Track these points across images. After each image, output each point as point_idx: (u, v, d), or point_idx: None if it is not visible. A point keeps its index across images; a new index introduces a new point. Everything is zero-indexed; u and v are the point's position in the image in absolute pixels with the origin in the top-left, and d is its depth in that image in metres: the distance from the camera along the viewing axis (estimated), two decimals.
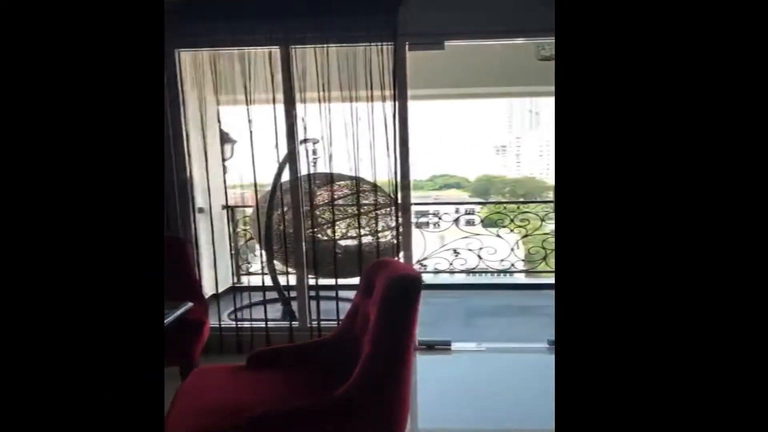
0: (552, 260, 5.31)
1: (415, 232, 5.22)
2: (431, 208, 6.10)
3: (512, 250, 5.61)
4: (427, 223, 5.72)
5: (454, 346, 3.61)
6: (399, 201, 3.35)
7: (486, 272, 5.67)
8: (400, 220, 3.44)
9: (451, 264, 5.60)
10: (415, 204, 3.65)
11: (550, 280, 5.41)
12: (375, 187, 4.07)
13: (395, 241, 3.59)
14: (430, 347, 3.60)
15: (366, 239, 3.89)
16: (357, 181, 3.81)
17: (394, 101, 3.20)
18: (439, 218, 5.80)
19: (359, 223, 3.84)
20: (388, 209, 3.96)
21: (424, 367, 3.36)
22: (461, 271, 5.65)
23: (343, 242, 4.23)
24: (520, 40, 3.43)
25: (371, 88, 3.17)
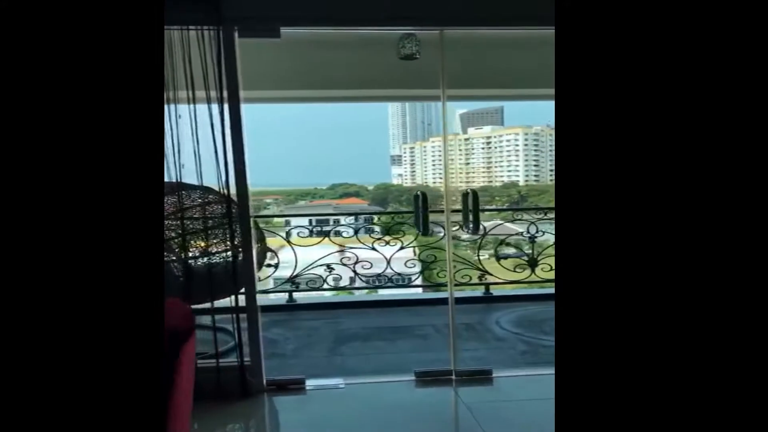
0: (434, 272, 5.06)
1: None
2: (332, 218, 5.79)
3: (388, 263, 5.21)
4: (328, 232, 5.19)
5: (309, 384, 3.12)
6: (233, 212, 2.83)
7: (378, 287, 5.27)
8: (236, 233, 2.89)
9: (324, 280, 5.10)
10: (264, 216, 3.15)
11: (437, 294, 5.13)
12: (227, 198, 3.49)
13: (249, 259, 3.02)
14: (281, 387, 3.08)
15: (217, 258, 3.29)
16: (205, 190, 3.20)
17: (221, 102, 2.65)
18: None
19: (206, 239, 3.22)
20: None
21: (272, 411, 2.94)
22: (340, 288, 5.20)
23: (193, 262, 3.57)
24: (374, 29, 3.01)
25: (192, 87, 2.61)
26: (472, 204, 3.38)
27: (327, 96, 4.46)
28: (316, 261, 5.23)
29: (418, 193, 3.47)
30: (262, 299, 5.06)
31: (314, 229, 5.15)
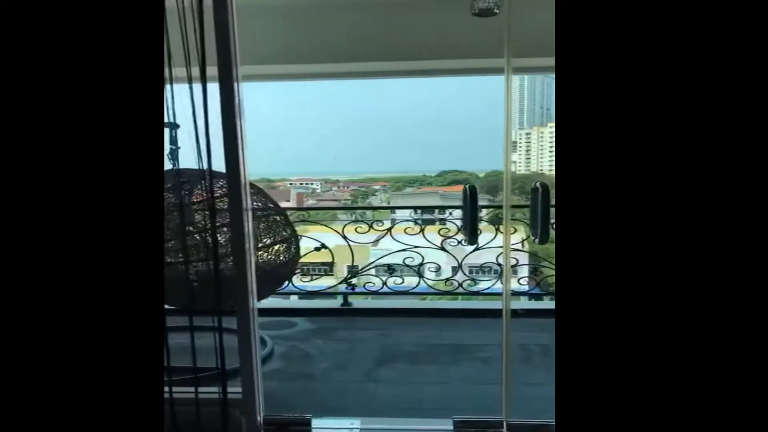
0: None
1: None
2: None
3: (460, 266, 4.43)
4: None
5: (316, 424, 2.45)
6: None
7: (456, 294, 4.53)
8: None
9: (384, 283, 4.45)
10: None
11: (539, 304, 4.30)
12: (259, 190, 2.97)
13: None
14: (282, 427, 2.45)
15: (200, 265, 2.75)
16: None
17: (203, 82, 2.11)
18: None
19: (212, 242, 2.67)
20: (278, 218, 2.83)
21: None
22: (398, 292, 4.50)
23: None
24: None
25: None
26: (541, 203, 2.44)
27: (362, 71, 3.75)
28: (381, 257, 4.58)
29: (537, 185, 2.38)
30: (316, 301, 4.50)
31: (418, 219, 4.48)
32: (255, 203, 3.11)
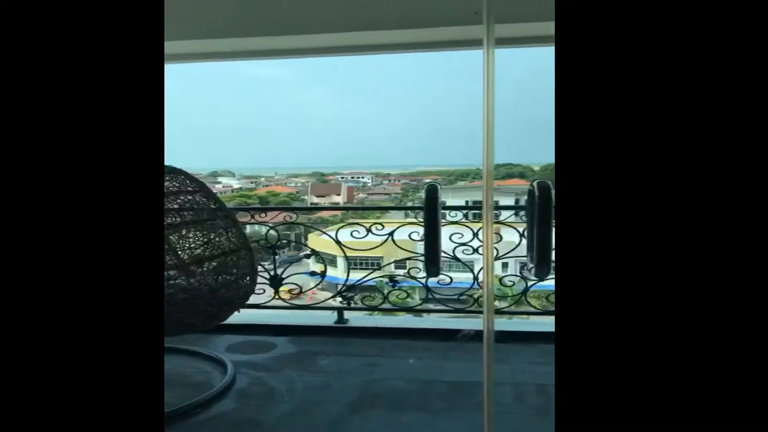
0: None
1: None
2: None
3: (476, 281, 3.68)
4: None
5: None
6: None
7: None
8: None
9: (386, 298, 3.76)
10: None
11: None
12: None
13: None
14: None
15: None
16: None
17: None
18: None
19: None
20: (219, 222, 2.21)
21: None
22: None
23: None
24: None
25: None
26: (538, 213, 1.64)
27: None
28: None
29: (534, 185, 1.73)
30: (307, 317, 3.85)
31: (469, 213, 3.79)
32: (187, 200, 2.46)
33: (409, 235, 3.56)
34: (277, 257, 3.79)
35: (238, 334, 3.68)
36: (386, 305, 3.75)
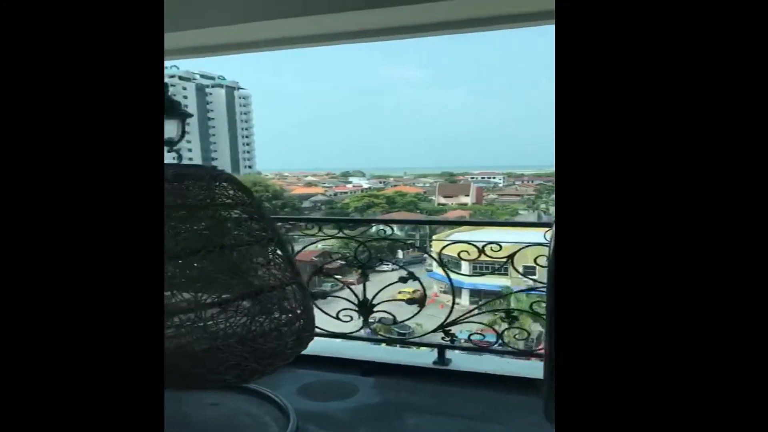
0: None
1: None
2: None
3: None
4: None
5: None
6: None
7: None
8: None
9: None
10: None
11: None
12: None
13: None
14: None
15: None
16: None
17: None
18: None
19: None
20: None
21: None
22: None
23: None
24: None
25: None
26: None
27: None
28: None
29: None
30: (399, 353, 3.23)
31: None
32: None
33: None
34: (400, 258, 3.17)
35: (318, 368, 3.07)
36: (498, 346, 2.91)
